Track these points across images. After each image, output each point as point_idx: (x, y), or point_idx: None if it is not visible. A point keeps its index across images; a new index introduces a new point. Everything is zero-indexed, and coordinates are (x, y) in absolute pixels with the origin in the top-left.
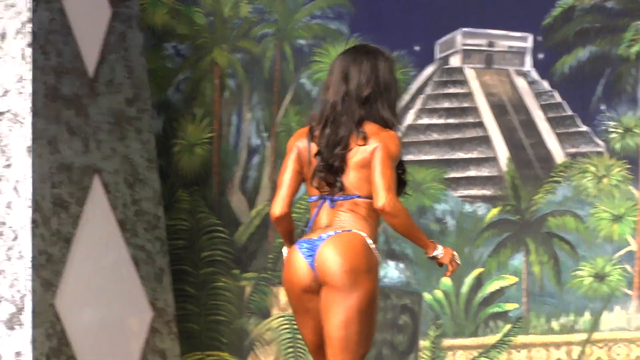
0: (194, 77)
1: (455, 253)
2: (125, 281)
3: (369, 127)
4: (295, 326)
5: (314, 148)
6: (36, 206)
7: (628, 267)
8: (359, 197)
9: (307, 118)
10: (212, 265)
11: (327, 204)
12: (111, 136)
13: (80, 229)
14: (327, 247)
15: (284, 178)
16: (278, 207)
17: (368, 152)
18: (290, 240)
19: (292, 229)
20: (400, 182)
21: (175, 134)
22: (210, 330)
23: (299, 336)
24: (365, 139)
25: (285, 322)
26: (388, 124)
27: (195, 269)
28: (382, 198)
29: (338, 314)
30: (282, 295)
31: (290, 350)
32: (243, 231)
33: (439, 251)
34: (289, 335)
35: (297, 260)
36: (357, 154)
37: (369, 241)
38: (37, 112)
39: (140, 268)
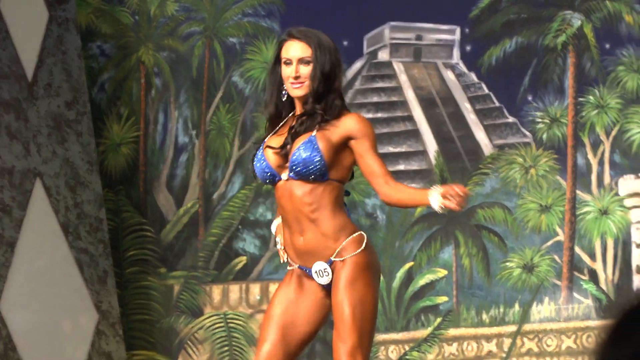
0: (118, 76)
1: None
2: (70, 284)
3: None
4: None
5: None
6: None
7: (556, 257)
8: None
9: None
10: (137, 264)
11: None
12: (51, 140)
13: (23, 233)
14: None
15: None
16: None
17: None
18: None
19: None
20: None
21: (100, 133)
22: (135, 329)
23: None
24: None
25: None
26: None
27: (119, 269)
28: None
29: None
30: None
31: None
32: (170, 229)
33: None
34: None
35: None
36: None
37: None
38: None
39: (84, 271)
